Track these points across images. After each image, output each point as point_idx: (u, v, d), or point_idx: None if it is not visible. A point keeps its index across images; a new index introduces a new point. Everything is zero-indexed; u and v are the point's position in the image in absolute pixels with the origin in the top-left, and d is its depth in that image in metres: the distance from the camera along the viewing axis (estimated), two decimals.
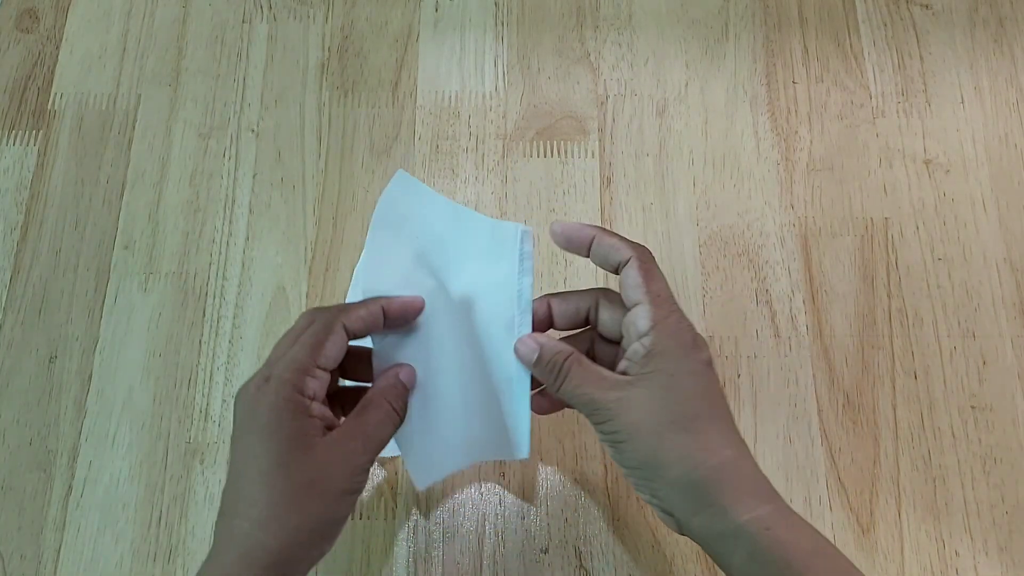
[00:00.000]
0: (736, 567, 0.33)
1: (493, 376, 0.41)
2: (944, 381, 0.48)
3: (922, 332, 0.49)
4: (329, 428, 0.35)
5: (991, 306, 0.50)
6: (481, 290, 0.41)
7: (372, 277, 0.40)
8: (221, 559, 0.34)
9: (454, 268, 0.41)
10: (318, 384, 0.35)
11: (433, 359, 0.40)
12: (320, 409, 0.35)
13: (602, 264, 0.38)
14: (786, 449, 0.47)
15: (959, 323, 0.49)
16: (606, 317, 0.38)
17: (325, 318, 0.36)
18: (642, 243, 0.52)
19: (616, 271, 0.37)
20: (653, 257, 0.38)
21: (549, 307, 0.40)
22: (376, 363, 0.39)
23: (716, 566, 0.44)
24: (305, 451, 0.34)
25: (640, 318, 0.35)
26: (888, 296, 0.50)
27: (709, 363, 0.36)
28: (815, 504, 0.46)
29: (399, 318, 0.38)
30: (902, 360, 0.49)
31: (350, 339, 0.37)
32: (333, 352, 0.36)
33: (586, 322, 0.39)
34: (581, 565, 0.45)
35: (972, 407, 0.48)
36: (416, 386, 0.39)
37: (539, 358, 0.38)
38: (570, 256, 0.51)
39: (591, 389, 0.36)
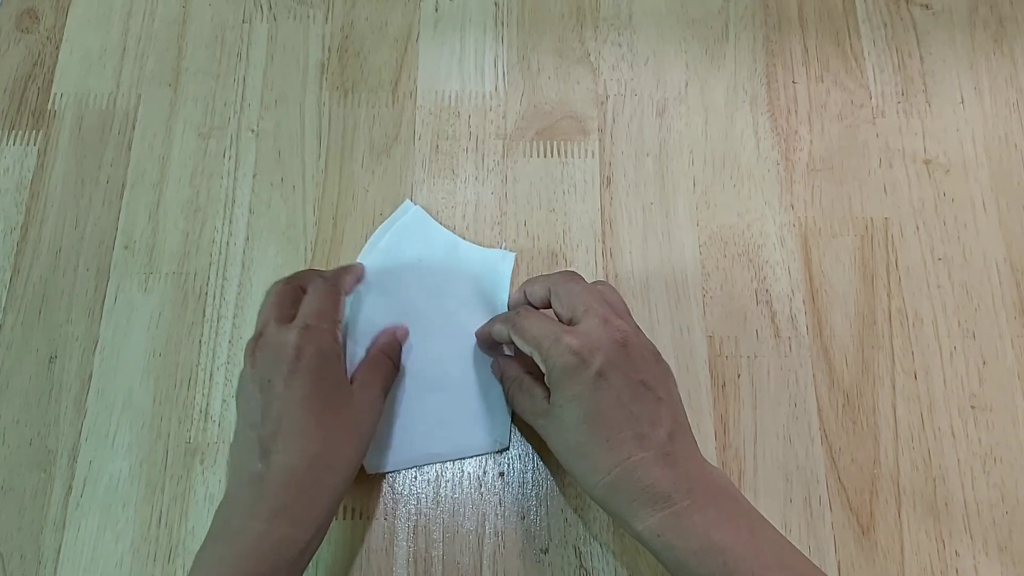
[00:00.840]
0: (659, 561, 0.37)
1: (475, 374, 0.47)
2: (944, 381, 0.48)
3: (922, 332, 0.49)
4: None
5: (991, 306, 0.50)
6: (469, 304, 0.48)
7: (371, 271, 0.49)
8: (276, 493, 0.35)
9: (448, 287, 0.49)
10: (340, 336, 0.40)
11: (408, 360, 0.47)
12: (342, 358, 0.40)
13: (508, 343, 0.43)
14: (786, 449, 0.47)
15: (959, 323, 0.49)
16: (518, 345, 0.41)
17: (328, 281, 0.42)
18: (642, 244, 0.53)
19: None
20: (526, 311, 0.42)
21: (525, 294, 0.44)
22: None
23: None
24: (346, 395, 0.39)
25: (540, 363, 0.40)
26: (888, 296, 0.50)
27: (597, 375, 0.37)
28: (815, 504, 0.46)
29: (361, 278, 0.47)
30: (902, 360, 0.49)
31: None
32: (343, 312, 0.42)
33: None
34: (581, 565, 0.45)
35: (972, 407, 0.48)
36: None
37: (501, 379, 0.45)
38: (569, 255, 0.51)
39: (526, 414, 0.42)
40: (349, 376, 0.41)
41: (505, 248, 0.51)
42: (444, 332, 0.48)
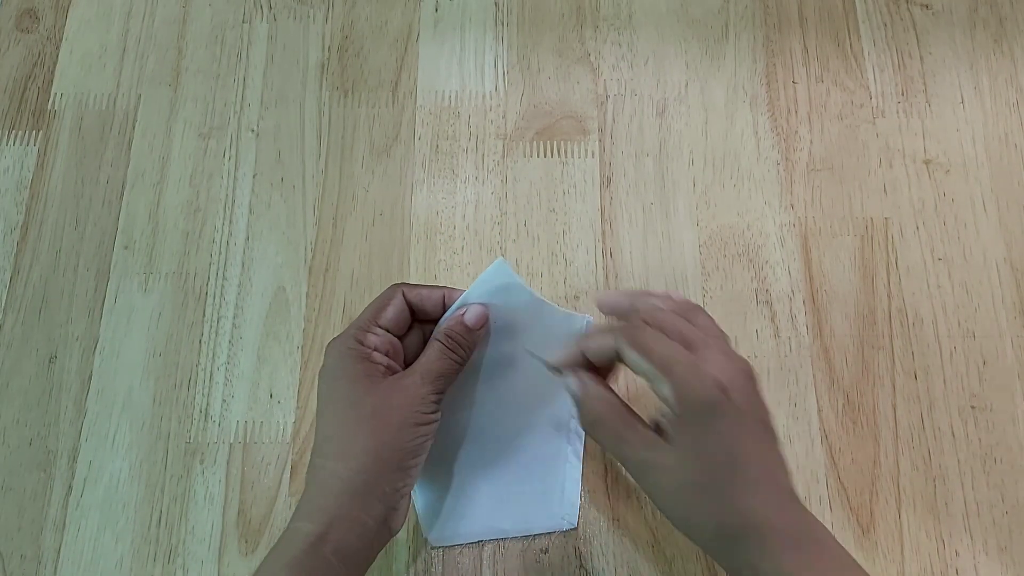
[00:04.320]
0: None
1: (544, 447, 0.45)
2: (944, 381, 0.48)
3: (922, 332, 0.49)
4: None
5: (991, 306, 0.50)
6: (543, 370, 0.42)
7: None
8: (307, 495, 0.38)
9: (524, 347, 0.44)
10: (379, 340, 0.40)
11: (475, 427, 0.45)
12: (382, 358, 0.40)
13: (607, 363, 0.40)
14: (786, 449, 0.47)
15: (959, 323, 0.49)
16: (630, 363, 0.37)
17: (391, 289, 0.42)
18: (642, 244, 0.53)
19: (623, 361, 0.38)
20: (639, 325, 0.38)
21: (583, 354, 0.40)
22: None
23: (716, 567, 0.45)
24: (369, 387, 0.39)
25: (661, 389, 0.36)
26: (888, 296, 0.50)
27: (739, 413, 0.35)
28: (815, 504, 0.46)
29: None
30: (902, 360, 0.49)
31: (411, 310, 0.42)
32: (393, 316, 0.41)
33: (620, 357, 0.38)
34: (581, 565, 0.45)
35: (972, 407, 0.48)
36: (447, 446, 0.44)
37: (580, 402, 0.39)
38: (569, 255, 0.51)
39: (623, 446, 0.37)
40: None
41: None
42: (519, 399, 0.45)
